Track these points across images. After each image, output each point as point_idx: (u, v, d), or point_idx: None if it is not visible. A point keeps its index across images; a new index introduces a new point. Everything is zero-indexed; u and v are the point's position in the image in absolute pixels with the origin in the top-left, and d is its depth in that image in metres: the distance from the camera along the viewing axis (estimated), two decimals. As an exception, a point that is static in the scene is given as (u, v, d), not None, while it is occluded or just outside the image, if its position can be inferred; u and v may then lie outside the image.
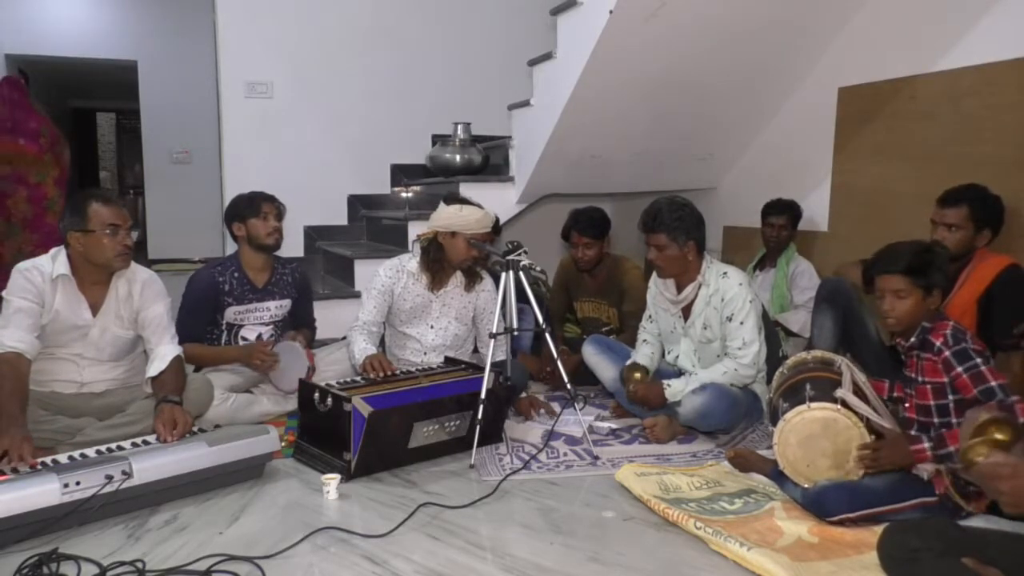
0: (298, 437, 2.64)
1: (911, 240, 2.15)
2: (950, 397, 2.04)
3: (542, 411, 3.08)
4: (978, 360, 1.98)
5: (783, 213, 3.73)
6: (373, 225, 4.82)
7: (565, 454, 2.68)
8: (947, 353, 2.01)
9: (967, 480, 1.92)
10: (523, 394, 3.15)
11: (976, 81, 3.01)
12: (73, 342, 2.51)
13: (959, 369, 1.99)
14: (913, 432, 2.12)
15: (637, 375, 2.88)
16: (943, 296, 2.13)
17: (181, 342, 2.67)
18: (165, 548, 1.93)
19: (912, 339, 2.11)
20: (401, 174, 5.04)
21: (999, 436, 1.67)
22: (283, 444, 2.62)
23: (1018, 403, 1.89)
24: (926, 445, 1.98)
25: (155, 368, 2.51)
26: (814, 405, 2.12)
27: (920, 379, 2.10)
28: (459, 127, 4.38)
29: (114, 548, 1.93)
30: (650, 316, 3.05)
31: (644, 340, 3.06)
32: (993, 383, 1.95)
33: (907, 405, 2.18)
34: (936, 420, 2.07)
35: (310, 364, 2.88)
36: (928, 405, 2.08)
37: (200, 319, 3.01)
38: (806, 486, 2.13)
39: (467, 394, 2.58)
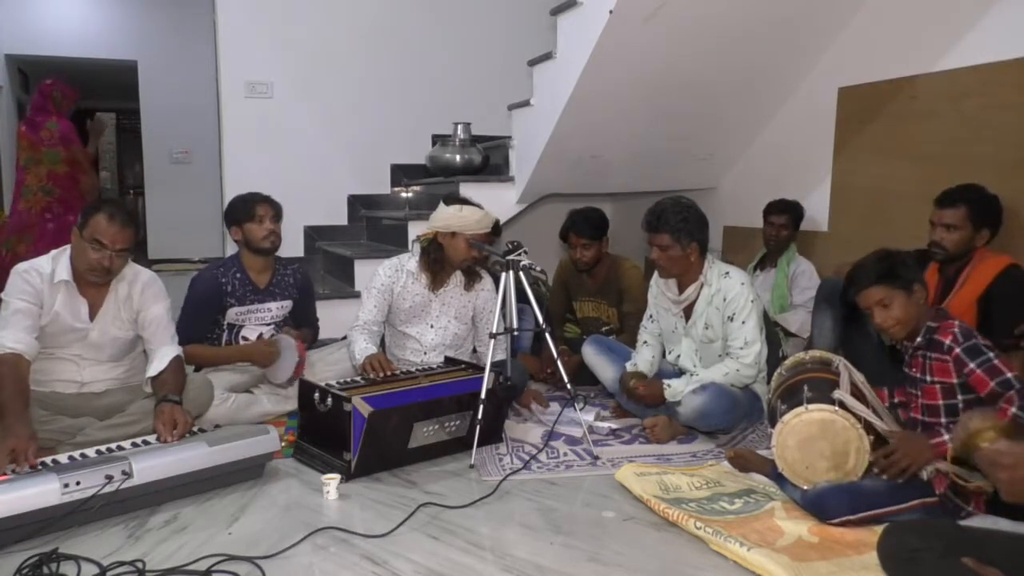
0: (298, 437, 2.64)
1: (869, 254, 2.16)
2: (959, 397, 2.04)
3: (536, 406, 3.08)
4: (990, 354, 1.98)
5: (784, 212, 3.72)
6: (373, 225, 4.82)
7: (565, 454, 2.68)
8: (958, 350, 2.00)
9: (965, 479, 1.92)
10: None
11: (976, 81, 3.00)
12: (72, 343, 2.51)
13: (972, 365, 1.98)
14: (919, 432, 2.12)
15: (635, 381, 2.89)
16: (927, 290, 2.13)
17: (182, 343, 2.67)
18: (165, 548, 1.93)
19: (918, 339, 2.10)
20: (401, 174, 5.05)
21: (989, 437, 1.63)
22: (283, 444, 2.62)
23: None
24: (946, 437, 1.96)
25: (155, 368, 2.52)
26: (812, 407, 2.12)
27: (928, 379, 2.09)
28: (459, 127, 4.38)
29: (114, 548, 1.93)
30: (651, 316, 3.05)
31: (644, 341, 3.06)
32: (1009, 374, 1.95)
33: (912, 406, 2.17)
34: (944, 420, 2.06)
35: (301, 356, 2.87)
36: (936, 405, 2.07)
37: (203, 320, 3.01)
38: (805, 488, 2.13)
39: (467, 394, 2.58)
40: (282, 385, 2.98)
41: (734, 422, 2.84)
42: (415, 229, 3.88)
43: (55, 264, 2.46)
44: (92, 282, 2.48)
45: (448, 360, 3.00)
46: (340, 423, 2.40)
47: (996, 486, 1.44)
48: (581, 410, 2.78)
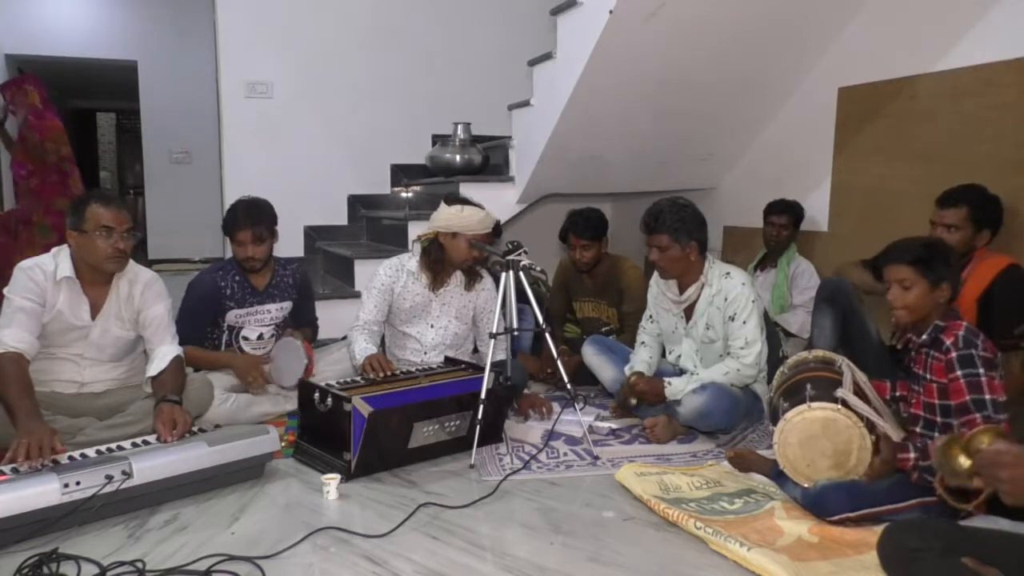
0: (298, 437, 2.64)
1: (922, 235, 2.16)
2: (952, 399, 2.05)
3: (542, 410, 3.07)
4: (980, 370, 1.97)
5: (784, 213, 3.73)
6: (373, 225, 4.82)
7: (565, 454, 2.68)
8: (953, 354, 2.01)
9: (954, 487, 1.90)
10: (525, 391, 3.14)
11: (976, 81, 3.00)
12: (74, 342, 2.51)
13: (958, 373, 1.99)
14: (918, 429, 2.13)
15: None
16: (953, 291, 2.12)
17: (180, 344, 2.66)
18: (165, 548, 1.94)
19: (924, 336, 2.11)
20: (401, 174, 5.05)
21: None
22: (283, 444, 2.62)
23: (1004, 423, 1.89)
24: (912, 455, 1.98)
25: (155, 368, 2.52)
26: (814, 405, 2.12)
27: (928, 377, 2.10)
28: (459, 127, 4.38)
29: (114, 548, 1.93)
30: (650, 316, 3.05)
31: (642, 342, 3.06)
32: (987, 396, 1.94)
33: (913, 402, 2.18)
34: (939, 419, 2.07)
35: (309, 357, 2.86)
36: (933, 404, 2.08)
37: (200, 322, 3.00)
38: (806, 486, 2.13)
39: (467, 394, 2.58)
40: (287, 388, 2.97)
41: (734, 422, 2.84)
42: (415, 229, 3.87)
43: (57, 261, 2.46)
44: (111, 270, 2.48)
45: (448, 360, 3.00)
46: (340, 423, 2.40)
47: (997, 489, 1.39)
48: (581, 410, 2.78)
